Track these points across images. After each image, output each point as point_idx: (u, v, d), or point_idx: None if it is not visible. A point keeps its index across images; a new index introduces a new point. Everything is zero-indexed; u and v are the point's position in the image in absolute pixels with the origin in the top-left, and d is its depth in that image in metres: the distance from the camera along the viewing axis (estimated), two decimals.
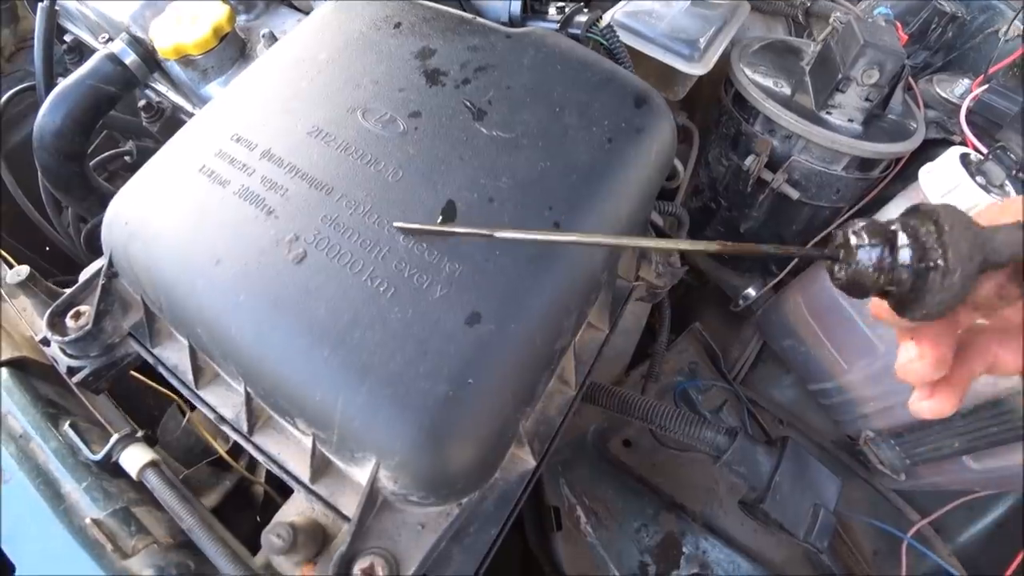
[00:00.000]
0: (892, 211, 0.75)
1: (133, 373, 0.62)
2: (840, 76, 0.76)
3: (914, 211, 0.27)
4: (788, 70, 0.86)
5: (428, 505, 0.43)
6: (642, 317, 0.91)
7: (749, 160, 0.84)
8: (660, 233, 0.75)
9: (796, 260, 0.92)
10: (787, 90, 0.83)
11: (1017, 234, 0.25)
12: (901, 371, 0.30)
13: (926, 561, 0.89)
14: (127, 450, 0.48)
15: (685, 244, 0.35)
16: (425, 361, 0.39)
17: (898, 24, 0.82)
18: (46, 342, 0.51)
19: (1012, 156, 0.68)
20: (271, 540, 0.40)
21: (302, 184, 0.46)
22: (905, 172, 0.82)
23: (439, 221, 0.44)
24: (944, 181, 0.69)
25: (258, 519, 0.69)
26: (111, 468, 0.48)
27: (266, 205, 0.45)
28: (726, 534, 0.90)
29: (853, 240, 0.28)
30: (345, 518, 0.44)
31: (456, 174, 0.47)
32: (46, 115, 0.75)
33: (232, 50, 0.78)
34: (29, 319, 0.56)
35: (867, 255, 0.27)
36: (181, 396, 0.69)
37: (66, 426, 0.49)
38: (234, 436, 0.48)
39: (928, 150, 0.80)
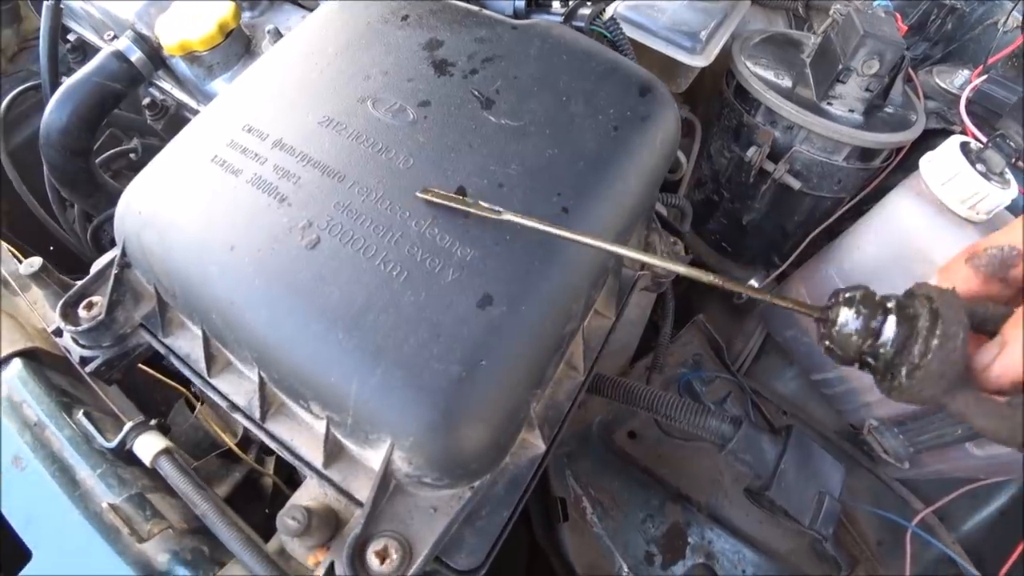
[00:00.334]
0: (894, 200, 0.76)
1: (142, 366, 0.63)
2: (840, 67, 0.76)
3: (916, 295, 0.27)
4: (789, 62, 0.86)
5: (441, 488, 0.43)
6: (646, 309, 0.92)
7: (751, 151, 0.85)
8: (664, 223, 0.75)
9: (798, 252, 0.92)
10: (788, 82, 0.84)
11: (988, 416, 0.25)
12: None
13: (930, 549, 0.89)
14: (140, 438, 0.49)
15: (683, 269, 0.35)
16: (438, 343, 0.39)
17: (897, 15, 0.83)
18: (59, 332, 0.52)
19: (1011, 144, 0.69)
20: (286, 522, 0.40)
21: (314, 172, 0.46)
22: (906, 162, 0.83)
23: None
24: (944, 169, 0.69)
25: (267, 511, 0.70)
26: (125, 456, 0.49)
27: (279, 193, 0.45)
28: (731, 524, 0.90)
29: (843, 306, 0.28)
30: (358, 503, 0.44)
31: (466, 161, 0.47)
32: (53, 112, 0.75)
33: (237, 46, 0.79)
34: (41, 311, 0.56)
35: (853, 323, 0.27)
36: (190, 389, 0.70)
37: (80, 415, 0.50)
38: (246, 424, 0.49)
39: (929, 140, 0.80)
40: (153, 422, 0.50)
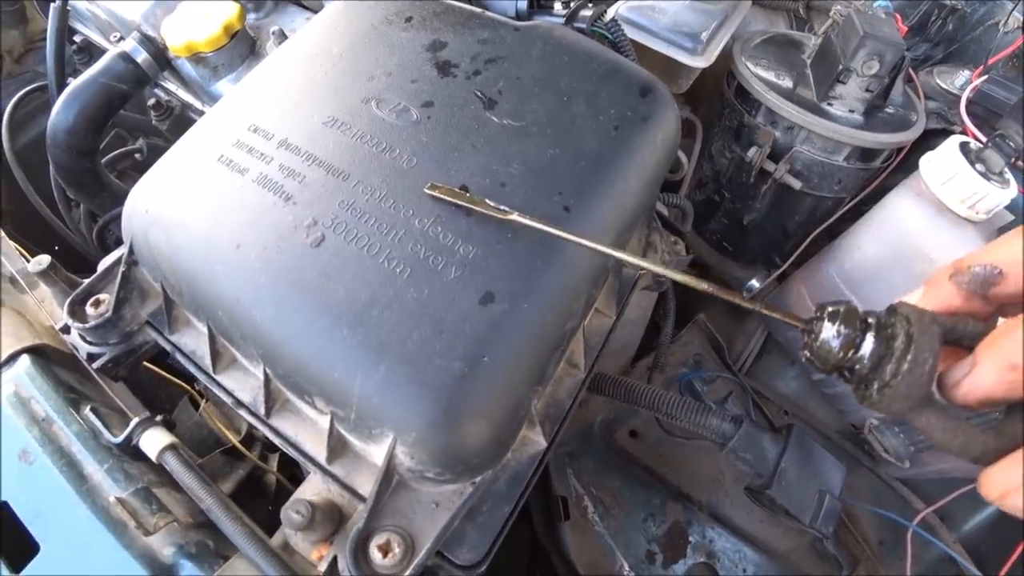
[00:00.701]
0: (894, 200, 0.76)
1: (147, 364, 0.64)
2: (841, 67, 0.77)
3: (897, 315, 0.28)
4: (790, 63, 0.87)
5: (443, 482, 0.44)
6: (647, 309, 0.92)
7: (752, 152, 0.85)
8: (665, 224, 0.76)
9: (799, 252, 0.93)
10: (789, 83, 0.84)
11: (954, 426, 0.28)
12: None
13: (932, 549, 0.89)
14: (146, 433, 0.49)
15: (679, 276, 0.37)
16: (441, 339, 0.40)
17: (898, 16, 0.83)
18: (66, 329, 0.52)
19: (1011, 144, 0.69)
20: (290, 516, 0.41)
21: (319, 171, 0.47)
22: (906, 162, 0.83)
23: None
24: (944, 169, 0.70)
25: (270, 508, 0.70)
26: (131, 451, 0.49)
27: (284, 192, 0.46)
28: (732, 523, 0.90)
29: (827, 320, 0.30)
30: (361, 498, 0.45)
31: (468, 161, 0.48)
32: (59, 112, 0.76)
33: (242, 48, 0.79)
34: (49, 308, 0.57)
35: (834, 336, 0.29)
36: (195, 387, 0.70)
37: (87, 410, 0.50)
38: (251, 420, 0.49)
39: (929, 140, 0.80)
40: (159, 418, 0.51)
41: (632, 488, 0.91)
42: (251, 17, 0.84)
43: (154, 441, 0.49)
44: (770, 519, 0.89)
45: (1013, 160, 0.69)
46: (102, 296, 0.53)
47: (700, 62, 0.77)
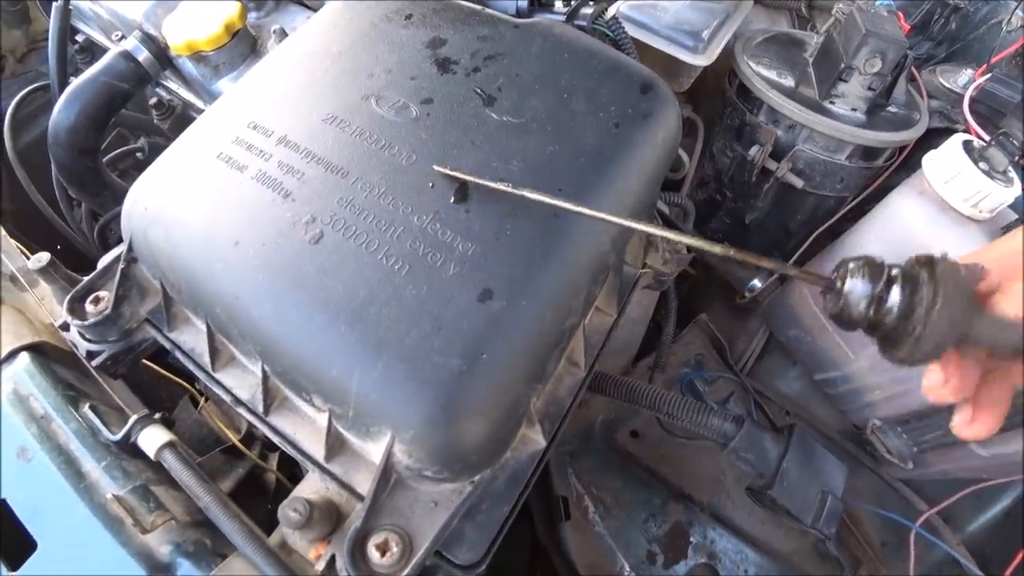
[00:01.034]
0: (897, 199, 0.76)
1: (147, 362, 0.63)
2: (843, 66, 0.77)
3: (925, 263, 0.29)
4: (792, 61, 0.87)
5: (441, 481, 0.43)
6: (649, 308, 0.92)
7: (754, 150, 0.85)
8: (667, 222, 0.75)
9: (801, 251, 0.92)
10: (791, 81, 0.84)
11: (1002, 329, 0.27)
12: (926, 392, 0.32)
13: (935, 550, 0.89)
14: (145, 431, 0.49)
15: (691, 240, 0.36)
16: (439, 336, 0.40)
17: (900, 14, 0.83)
18: (66, 327, 0.52)
19: (1015, 142, 0.68)
20: (288, 514, 0.41)
21: (318, 168, 0.47)
22: (909, 161, 0.83)
23: (451, 201, 0.45)
24: (947, 168, 0.69)
25: (269, 507, 0.70)
26: (129, 448, 0.49)
27: (283, 188, 0.46)
28: (733, 524, 0.90)
29: (850, 275, 0.30)
30: (359, 496, 0.45)
31: (468, 157, 0.48)
32: (61, 111, 0.76)
33: (243, 46, 0.79)
34: (49, 306, 0.57)
35: (861, 289, 0.29)
36: (195, 386, 0.70)
37: (85, 408, 0.50)
38: (249, 418, 0.49)
39: (932, 139, 0.80)
40: (157, 416, 0.51)
41: (633, 488, 0.91)
42: (252, 16, 0.84)
43: (152, 439, 0.49)
44: (772, 520, 0.89)
45: (1017, 158, 0.69)
46: (101, 293, 0.52)
47: (701, 60, 0.77)
